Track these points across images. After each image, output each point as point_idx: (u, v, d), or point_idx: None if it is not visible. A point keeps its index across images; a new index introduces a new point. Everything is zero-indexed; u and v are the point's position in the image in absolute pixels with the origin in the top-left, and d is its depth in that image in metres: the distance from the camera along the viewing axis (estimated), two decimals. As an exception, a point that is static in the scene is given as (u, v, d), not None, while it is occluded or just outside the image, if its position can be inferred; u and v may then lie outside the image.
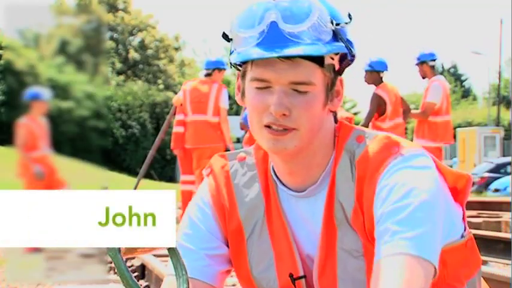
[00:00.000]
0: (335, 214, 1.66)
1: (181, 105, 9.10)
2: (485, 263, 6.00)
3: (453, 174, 1.71)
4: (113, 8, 40.09)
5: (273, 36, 1.57)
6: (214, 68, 9.00)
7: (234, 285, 5.01)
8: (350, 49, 1.64)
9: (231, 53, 1.66)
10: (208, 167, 1.83)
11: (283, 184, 1.73)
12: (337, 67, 1.66)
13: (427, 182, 1.59)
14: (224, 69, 9.15)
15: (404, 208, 1.55)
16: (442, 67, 58.40)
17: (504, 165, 22.11)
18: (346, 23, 1.63)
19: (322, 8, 1.61)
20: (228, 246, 1.78)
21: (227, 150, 8.90)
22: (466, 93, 59.29)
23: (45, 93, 7.85)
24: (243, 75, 1.66)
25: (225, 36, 1.67)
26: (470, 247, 1.74)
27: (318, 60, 1.59)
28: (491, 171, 21.77)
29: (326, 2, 1.65)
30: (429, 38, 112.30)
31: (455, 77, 59.46)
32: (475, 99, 59.33)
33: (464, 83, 61.66)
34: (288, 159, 1.67)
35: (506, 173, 21.02)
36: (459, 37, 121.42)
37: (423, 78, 8.65)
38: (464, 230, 1.73)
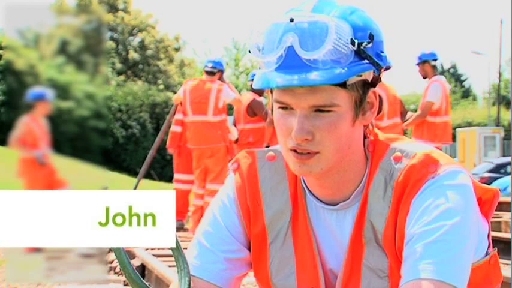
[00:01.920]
0: (364, 232, 1.63)
1: (181, 104, 9.11)
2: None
3: (481, 189, 1.68)
4: (113, 8, 40.05)
5: (290, 61, 1.52)
6: (220, 69, 9.03)
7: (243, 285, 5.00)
8: (378, 64, 1.58)
9: (259, 68, 1.61)
10: (235, 161, 1.78)
11: (313, 194, 1.69)
12: (369, 79, 1.60)
13: (462, 201, 1.56)
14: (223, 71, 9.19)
15: (435, 231, 1.52)
16: (442, 67, 58.33)
17: (504, 165, 22.05)
18: (368, 43, 1.56)
19: (344, 26, 1.54)
20: (248, 248, 1.75)
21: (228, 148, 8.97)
22: (466, 93, 59.22)
23: (49, 93, 7.85)
24: (271, 92, 1.62)
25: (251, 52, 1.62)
26: (494, 264, 1.71)
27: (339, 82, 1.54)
28: (491, 171, 21.72)
29: (356, 14, 1.58)
30: (429, 38, 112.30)
31: (455, 77, 59.41)
32: (475, 99, 59.29)
33: (464, 83, 61.59)
34: (318, 177, 1.63)
35: (506, 173, 20.97)
36: (459, 37, 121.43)
37: (424, 78, 8.63)
38: (489, 247, 1.70)
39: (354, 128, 1.60)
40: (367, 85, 1.60)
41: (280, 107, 1.58)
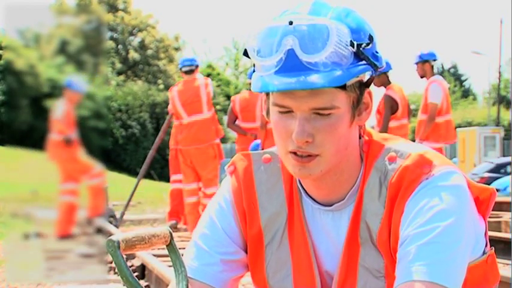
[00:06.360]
0: (360, 233, 1.63)
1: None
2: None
3: (478, 188, 1.67)
4: (113, 8, 40.02)
5: (291, 65, 1.51)
6: (197, 65, 9.12)
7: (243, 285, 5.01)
8: (375, 65, 1.58)
9: (253, 70, 1.61)
10: (231, 164, 1.79)
11: (308, 195, 1.69)
12: (365, 80, 1.61)
13: (456, 202, 1.56)
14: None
15: (429, 233, 1.52)
16: (442, 67, 58.39)
17: (504, 165, 22.03)
18: (368, 44, 1.56)
19: (343, 28, 1.53)
20: (245, 250, 1.75)
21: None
22: (466, 93, 59.26)
23: (76, 85, 8.00)
24: (267, 95, 1.62)
25: (246, 54, 1.60)
26: (491, 263, 1.70)
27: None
28: (491, 171, 21.70)
29: (351, 16, 1.58)
30: (429, 38, 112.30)
31: (455, 77, 59.45)
32: (475, 99, 59.37)
33: (464, 83, 61.62)
34: (315, 179, 1.63)
35: (506, 173, 20.95)
36: (459, 37, 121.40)
37: (421, 77, 8.60)
38: (486, 246, 1.70)
39: (351, 129, 1.61)
40: (363, 86, 1.61)
41: (279, 110, 1.58)
